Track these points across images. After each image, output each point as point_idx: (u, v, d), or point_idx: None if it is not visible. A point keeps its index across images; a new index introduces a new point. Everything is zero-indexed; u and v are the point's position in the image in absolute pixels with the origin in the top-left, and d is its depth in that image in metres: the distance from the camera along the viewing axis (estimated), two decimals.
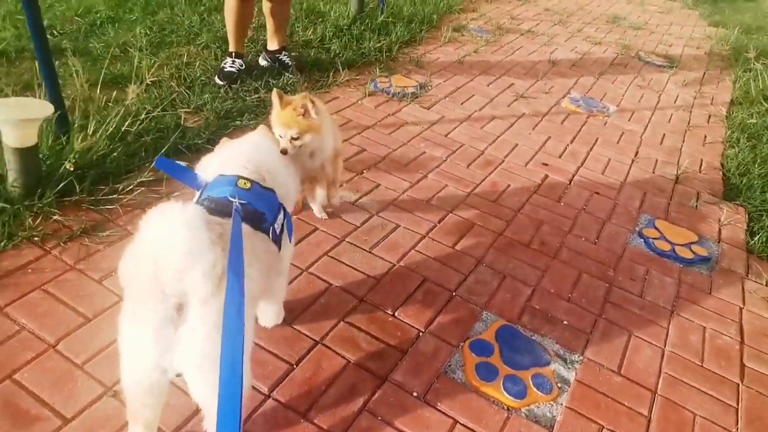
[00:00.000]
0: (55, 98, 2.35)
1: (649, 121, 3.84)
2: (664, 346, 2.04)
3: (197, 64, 3.41)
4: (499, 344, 1.91)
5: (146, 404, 1.34)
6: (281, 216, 1.57)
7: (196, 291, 1.17)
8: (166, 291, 1.16)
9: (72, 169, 2.12)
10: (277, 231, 1.50)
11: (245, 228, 1.37)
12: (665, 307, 2.22)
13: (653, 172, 3.20)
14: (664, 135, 3.67)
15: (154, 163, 1.88)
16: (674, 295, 2.29)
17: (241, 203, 1.42)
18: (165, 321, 1.17)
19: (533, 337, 1.98)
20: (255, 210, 1.44)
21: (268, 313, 1.82)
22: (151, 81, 2.70)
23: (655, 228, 2.69)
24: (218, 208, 1.38)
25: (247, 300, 1.20)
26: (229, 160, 1.58)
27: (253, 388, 1.65)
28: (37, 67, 2.35)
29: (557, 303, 2.15)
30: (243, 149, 1.66)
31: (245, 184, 1.49)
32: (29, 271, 1.91)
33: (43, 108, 2.06)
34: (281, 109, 2.00)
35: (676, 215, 2.83)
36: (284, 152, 1.97)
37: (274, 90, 2.01)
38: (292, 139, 1.99)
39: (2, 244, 1.96)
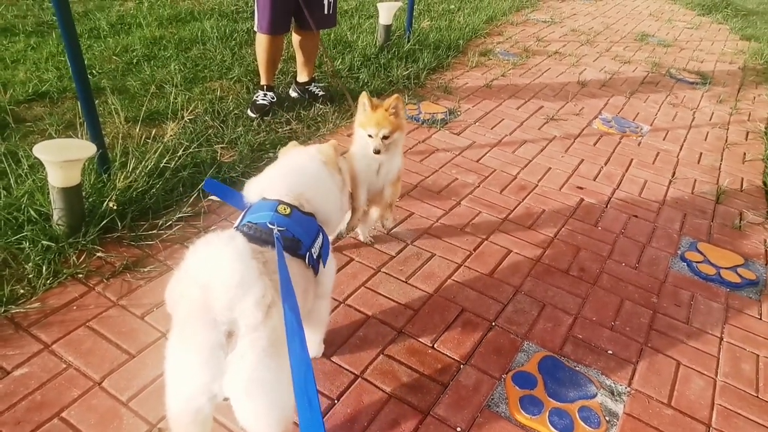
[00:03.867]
0: (96, 137, 2.43)
1: (684, 140, 3.76)
2: (716, 376, 1.95)
3: (230, 98, 3.50)
4: (542, 376, 1.87)
5: (187, 429, 1.34)
6: (319, 240, 1.59)
7: (247, 319, 1.20)
8: (218, 319, 1.19)
9: (114, 207, 2.17)
10: (314, 255, 1.53)
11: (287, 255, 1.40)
12: (714, 334, 2.14)
13: (692, 193, 3.13)
14: (701, 154, 3.59)
15: (203, 184, 1.94)
16: (722, 321, 2.21)
17: (279, 230, 1.45)
18: (216, 347, 1.20)
19: (577, 368, 1.92)
20: (293, 237, 1.48)
21: (308, 344, 1.81)
22: (189, 118, 2.76)
23: (698, 251, 2.61)
24: (256, 235, 1.42)
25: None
26: (273, 183, 1.63)
27: (296, 425, 1.63)
28: (79, 107, 2.44)
29: (600, 332, 2.09)
30: (287, 171, 1.69)
31: (285, 209, 1.53)
32: (74, 308, 1.95)
33: (86, 148, 2.13)
34: (372, 111, 2.09)
35: (719, 237, 2.74)
36: (377, 152, 2.07)
37: (363, 93, 2.12)
38: (384, 138, 2.08)
39: (48, 281, 2.01)
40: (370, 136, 2.09)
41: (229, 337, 1.20)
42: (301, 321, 1.22)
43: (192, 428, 1.32)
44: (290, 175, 1.67)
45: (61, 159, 2.02)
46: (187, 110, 3.18)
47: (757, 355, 2.07)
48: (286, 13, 3.18)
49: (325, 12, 3.34)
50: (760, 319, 2.25)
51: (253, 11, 3.25)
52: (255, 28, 3.25)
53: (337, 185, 1.78)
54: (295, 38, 3.46)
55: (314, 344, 1.83)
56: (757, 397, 1.90)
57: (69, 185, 2.12)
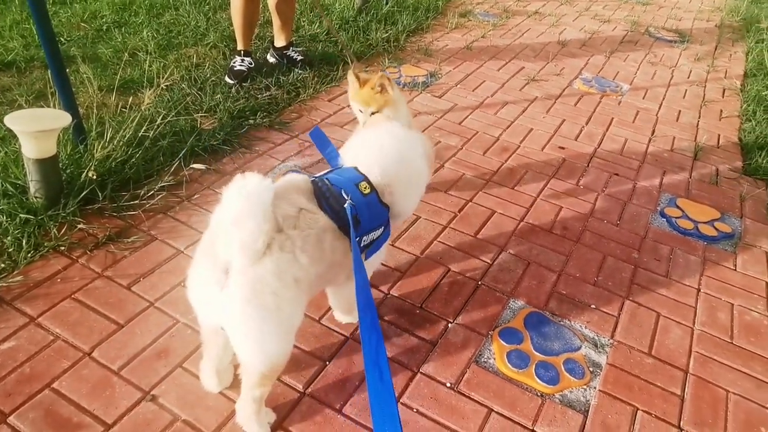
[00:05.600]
0: (70, 107, 2.36)
1: (663, 98, 3.79)
2: (693, 325, 2.02)
3: (207, 64, 3.41)
4: (528, 331, 1.91)
5: (209, 340, 1.51)
6: (378, 232, 1.57)
7: (235, 260, 1.25)
8: (218, 254, 1.26)
9: (94, 177, 2.13)
10: (361, 244, 1.51)
11: (330, 223, 1.42)
12: (692, 286, 2.20)
13: (671, 150, 3.17)
14: (679, 111, 3.63)
15: (311, 130, 1.93)
16: (700, 273, 2.27)
17: (351, 204, 1.46)
18: (211, 282, 1.28)
19: (562, 323, 1.97)
20: (355, 215, 1.46)
21: (343, 315, 1.87)
22: (165, 85, 2.69)
23: (677, 207, 2.66)
24: (326, 194, 1.45)
25: (291, 284, 1.30)
26: (370, 158, 1.62)
27: (288, 386, 1.66)
28: (49, 76, 2.36)
29: (583, 287, 2.14)
30: (391, 155, 1.64)
31: (366, 188, 1.53)
32: (58, 280, 1.93)
33: (60, 118, 2.07)
34: (360, 88, 2.15)
35: (697, 192, 2.80)
36: None
37: (351, 71, 2.15)
38: (373, 113, 2.15)
39: (30, 254, 1.98)
40: (360, 111, 2.18)
41: (226, 274, 1.26)
42: (371, 298, 1.25)
43: (208, 335, 1.50)
44: (391, 160, 1.63)
45: (35, 129, 1.96)
46: (163, 78, 3.10)
47: (732, 304, 2.14)
48: None
49: None
50: (735, 270, 2.32)
51: None
52: None
53: (424, 188, 1.78)
54: (271, 1, 3.37)
55: (348, 314, 1.87)
56: (732, 343, 1.98)
57: (44, 156, 2.07)
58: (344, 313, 1.87)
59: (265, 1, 3.58)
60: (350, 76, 2.17)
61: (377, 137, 1.70)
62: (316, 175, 1.56)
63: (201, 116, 2.75)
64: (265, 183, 1.30)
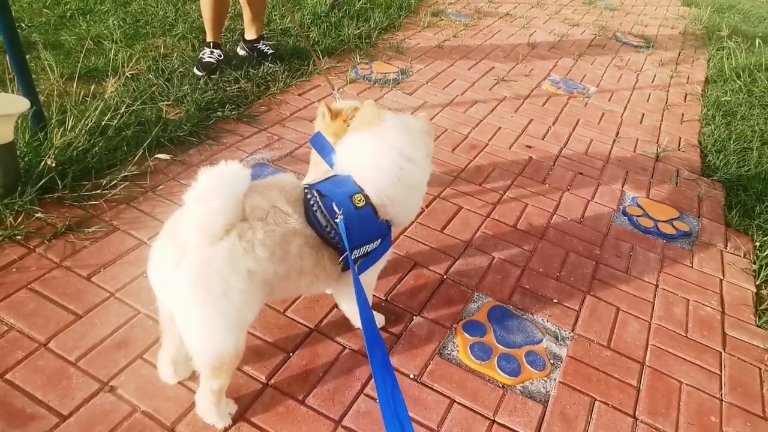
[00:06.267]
0: (29, 93, 2.29)
1: (628, 101, 3.89)
2: (651, 320, 2.09)
3: (175, 55, 3.35)
4: (491, 324, 1.94)
5: (167, 328, 1.47)
6: (371, 246, 1.50)
7: (190, 239, 1.25)
8: (180, 233, 1.26)
9: (53, 164, 2.08)
10: (351, 258, 1.42)
11: (304, 229, 1.39)
12: (650, 282, 2.27)
13: (634, 151, 3.26)
14: (643, 114, 3.73)
15: (311, 137, 1.85)
16: (658, 270, 2.34)
17: (342, 218, 1.40)
18: (170, 260, 1.26)
19: (525, 316, 2.01)
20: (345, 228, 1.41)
21: (358, 320, 1.81)
22: (130, 74, 2.63)
23: (638, 206, 2.74)
24: (314, 206, 1.40)
25: (243, 274, 1.28)
26: (364, 175, 1.51)
27: (251, 377, 1.65)
28: (8, 61, 2.28)
29: (546, 282, 2.19)
30: (384, 172, 1.51)
31: (360, 201, 1.46)
32: (13, 270, 1.87)
33: (18, 103, 2.01)
34: (331, 121, 1.96)
35: (657, 192, 2.88)
36: None
37: (322, 104, 1.97)
38: None
39: None
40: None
41: (182, 253, 1.25)
42: (378, 333, 1.17)
43: (170, 333, 1.47)
44: (388, 182, 1.50)
45: None
46: (128, 67, 3.04)
47: (688, 300, 2.22)
48: None
49: None
50: (692, 267, 2.40)
51: None
52: None
53: (424, 192, 1.65)
54: None
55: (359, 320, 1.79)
56: (686, 336, 2.05)
57: (1, 143, 2.00)
58: (356, 321, 1.83)
59: None
60: (321, 108, 1.98)
61: (375, 152, 1.55)
62: (310, 184, 1.50)
63: (167, 106, 2.69)
64: (242, 171, 1.30)
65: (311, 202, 1.42)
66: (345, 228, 1.40)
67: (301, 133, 2.88)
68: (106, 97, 2.43)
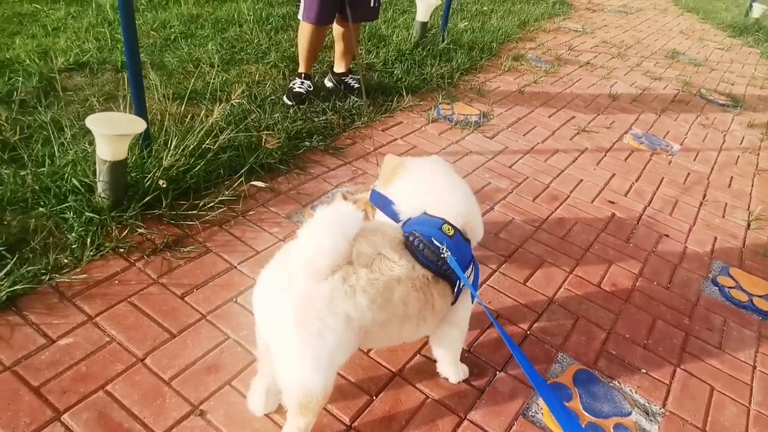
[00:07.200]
0: (141, 112, 2.43)
1: (715, 162, 3.76)
2: (750, 405, 1.96)
3: (267, 83, 3.49)
4: (577, 389, 1.87)
5: (265, 356, 1.48)
6: (470, 270, 1.59)
7: (296, 273, 1.28)
8: (288, 265, 1.30)
9: (164, 185, 2.18)
10: (460, 286, 1.52)
11: (422, 272, 1.43)
12: (747, 362, 2.14)
13: (723, 216, 3.13)
14: (732, 178, 3.59)
15: (370, 194, 1.86)
16: (755, 350, 2.21)
17: (449, 254, 1.47)
18: (275, 290, 1.30)
19: (612, 384, 1.93)
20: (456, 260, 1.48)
21: (446, 367, 1.82)
22: (237, 102, 2.75)
23: (730, 276, 2.61)
24: (419, 246, 1.45)
25: (342, 318, 1.29)
26: (440, 200, 1.63)
27: (335, 417, 1.65)
28: (122, 79, 2.44)
29: (633, 349, 2.10)
30: (457, 190, 1.69)
31: (449, 230, 1.54)
32: (116, 282, 1.96)
33: (136, 123, 2.13)
34: None
35: (750, 264, 2.75)
36: None
37: (339, 193, 2.04)
38: None
39: (91, 253, 2.02)
40: None
41: (288, 285, 1.29)
42: (560, 402, 1.25)
43: (267, 361, 1.47)
44: (460, 197, 1.67)
45: (115, 133, 2.02)
46: (225, 91, 3.18)
47: None
48: (333, 5, 3.16)
49: (371, 5, 3.33)
50: None
51: None
52: (300, 17, 3.24)
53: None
54: (338, 29, 3.45)
55: (451, 368, 1.80)
56: None
57: (116, 159, 2.12)
58: (449, 365, 1.81)
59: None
60: (335, 199, 2.02)
61: (434, 181, 1.72)
62: (403, 227, 1.57)
63: (267, 134, 2.77)
64: (355, 214, 1.33)
65: (416, 243, 1.46)
66: (456, 259, 1.47)
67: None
68: (210, 121, 2.53)
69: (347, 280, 1.30)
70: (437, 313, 1.53)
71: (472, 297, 1.45)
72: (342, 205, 1.34)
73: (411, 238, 1.47)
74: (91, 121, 2.04)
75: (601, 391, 1.89)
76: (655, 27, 7.27)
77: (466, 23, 5.24)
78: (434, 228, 1.53)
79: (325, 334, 1.27)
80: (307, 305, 1.26)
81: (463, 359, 1.92)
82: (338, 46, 3.56)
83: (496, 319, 2.12)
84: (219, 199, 2.38)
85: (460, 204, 1.66)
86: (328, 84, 3.72)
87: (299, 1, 3.24)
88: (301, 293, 1.27)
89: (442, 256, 1.46)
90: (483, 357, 1.94)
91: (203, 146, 2.54)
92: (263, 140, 2.66)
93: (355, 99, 3.54)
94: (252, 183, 2.51)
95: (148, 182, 2.27)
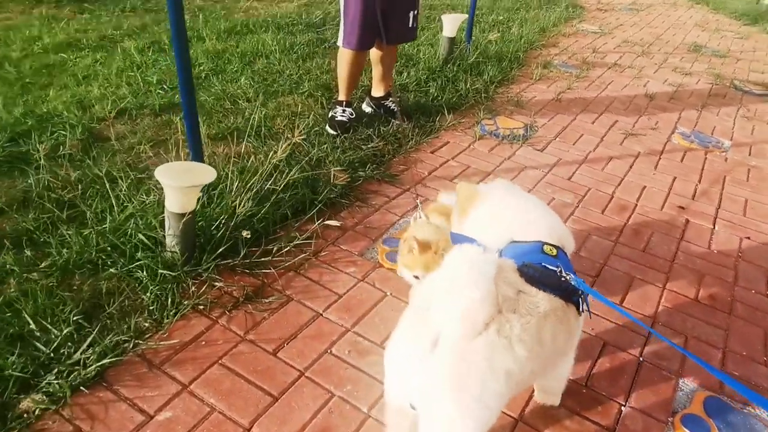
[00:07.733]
0: (199, 157, 2.33)
1: None
2: None
3: (309, 114, 3.39)
4: (712, 419, 1.73)
5: (395, 422, 1.37)
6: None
7: (448, 331, 1.14)
8: (429, 324, 1.16)
9: (248, 236, 2.06)
10: (582, 306, 1.41)
11: (553, 305, 1.29)
12: None
13: None
14: None
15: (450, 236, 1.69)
16: None
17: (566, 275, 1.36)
18: (416, 352, 1.16)
19: (746, 410, 1.79)
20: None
21: (550, 397, 1.71)
22: (300, 140, 2.65)
23: None
24: (536, 275, 1.32)
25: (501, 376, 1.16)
26: (523, 223, 1.59)
27: None
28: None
29: (756, 368, 1.96)
30: (533, 208, 1.68)
31: (551, 250, 1.44)
32: (203, 343, 1.84)
33: (207, 173, 2.02)
34: (420, 255, 1.80)
35: None
36: None
37: (411, 236, 1.82)
38: None
39: (172, 314, 1.90)
40: (416, 277, 1.84)
41: (433, 345, 1.14)
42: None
43: (396, 417, 1.35)
44: (541, 212, 1.65)
45: (187, 184, 1.91)
46: (267, 126, 3.08)
47: None
48: (374, 29, 3.08)
49: (410, 25, 3.24)
50: None
51: (338, 26, 3.15)
52: (339, 44, 3.15)
53: None
54: (375, 53, 3.36)
55: (552, 392, 1.71)
56: None
57: (187, 211, 2.01)
58: (548, 393, 1.71)
59: None
60: (411, 241, 1.80)
61: (519, 203, 1.72)
62: (506, 260, 1.43)
63: (336, 170, 2.64)
64: (488, 255, 1.21)
65: (530, 273, 1.34)
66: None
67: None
68: (273, 161, 2.42)
69: (501, 330, 1.17)
70: (575, 339, 1.44)
71: (611, 307, 1.36)
72: (472, 247, 1.22)
73: (525, 269, 1.35)
74: (161, 173, 1.93)
75: (738, 420, 1.74)
76: (669, 22, 7.20)
77: (498, 34, 5.15)
78: (536, 253, 1.44)
79: (485, 398, 1.15)
80: (464, 367, 1.13)
81: (581, 395, 1.78)
82: (376, 70, 3.47)
83: (604, 346, 1.98)
84: (294, 243, 2.26)
85: (545, 220, 1.62)
86: (367, 109, 3.62)
87: (337, 28, 3.16)
88: (455, 353, 1.14)
89: (563, 279, 1.35)
90: (602, 391, 1.81)
91: (265, 187, 2.43)
92: (332, 176, 2.53)
93: (397, 122, 3.43)
94: (326, 222, 2.39)
95: (219, 231, 2.15)
